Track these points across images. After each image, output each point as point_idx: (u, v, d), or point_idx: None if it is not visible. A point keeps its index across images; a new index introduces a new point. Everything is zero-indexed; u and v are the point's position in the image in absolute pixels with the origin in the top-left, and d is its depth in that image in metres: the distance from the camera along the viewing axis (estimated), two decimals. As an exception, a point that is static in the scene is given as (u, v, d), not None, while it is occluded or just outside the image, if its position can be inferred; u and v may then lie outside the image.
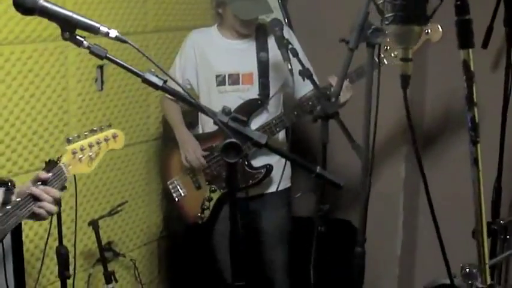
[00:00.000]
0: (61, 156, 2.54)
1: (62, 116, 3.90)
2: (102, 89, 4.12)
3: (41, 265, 3.64)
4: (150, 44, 4.40)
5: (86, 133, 2.52)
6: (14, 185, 3.22)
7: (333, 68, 3.70)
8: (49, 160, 3.21)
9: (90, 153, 2.51)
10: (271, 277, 4.01)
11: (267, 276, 4.00)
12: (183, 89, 2.07)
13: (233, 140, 1.90)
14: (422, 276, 4.27)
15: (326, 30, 4.57)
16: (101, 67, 4.07)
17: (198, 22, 4.65)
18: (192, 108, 2.01)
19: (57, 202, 2.39)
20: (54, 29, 3.67)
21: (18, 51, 3.61)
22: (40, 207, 2.34)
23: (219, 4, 3.81)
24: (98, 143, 2.54)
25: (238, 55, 3.83)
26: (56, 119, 3.87)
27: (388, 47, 3.37)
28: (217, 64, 3.85)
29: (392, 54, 3.35)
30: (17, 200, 2.31)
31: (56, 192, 2.37)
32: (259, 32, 3.85)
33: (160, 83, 1.92)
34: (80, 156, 2.48)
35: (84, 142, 2.49)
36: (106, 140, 2.57)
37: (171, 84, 1.96)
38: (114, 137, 2.60)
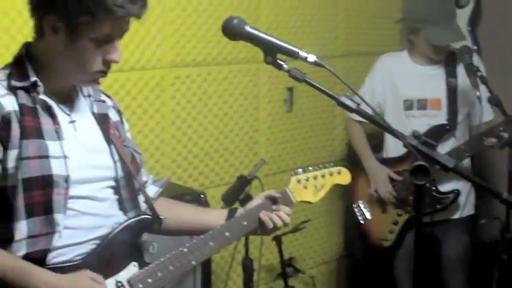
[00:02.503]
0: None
1: (252, 134, 4.08)
2: (291, 110, 4.27)
3: (227, 277, 3.82)
4: (339, 68, 4.47)
5: (310, 168, 2.60)
6: (205, 197, 3.42)
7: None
8: (240, 175, 3.38)
9: (315, 184, 2.57)
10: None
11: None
12: (375, 112, 2.13)
13: (422, 162, 1.95)
14: None
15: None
16: (290, 89, 4.22)
17: (386, 48, 4.69)
18: (384, 131, 2.05)
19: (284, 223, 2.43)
20: (248, 52, 3.93)
21: (214, 72, 3.84)
22: (269, 217, 2.39)
23: (411, 31, 3.85)
24: (322, 176, 2.59)
25: (427, 81, 3.85)
26: (246, 137, 4.06)
27: None
28: (406, 89, 3.88)
29: None
30: (243, 213, 2.41)
31: (286, 215, 2.42)
32: (448, 58, 3.85)
33: (354, 106, 2.00)
34: (305, 184, 2.54)
35: (308, 174, 2.56)
36: (330, 174, 2.61)
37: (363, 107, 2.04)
38: (339, 172, 2.63)
